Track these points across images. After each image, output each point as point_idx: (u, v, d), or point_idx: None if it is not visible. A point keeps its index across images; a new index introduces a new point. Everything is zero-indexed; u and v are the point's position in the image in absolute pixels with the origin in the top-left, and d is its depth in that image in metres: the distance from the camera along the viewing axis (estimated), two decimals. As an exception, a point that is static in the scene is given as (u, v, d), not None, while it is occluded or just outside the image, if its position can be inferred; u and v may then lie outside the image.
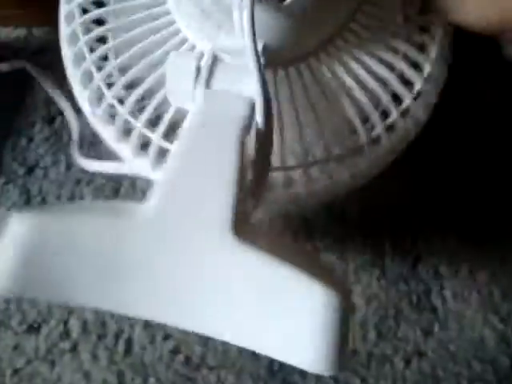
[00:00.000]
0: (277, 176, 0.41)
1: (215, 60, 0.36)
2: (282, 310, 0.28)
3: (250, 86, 0.34)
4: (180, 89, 0.36)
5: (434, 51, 0.43)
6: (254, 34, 0.34)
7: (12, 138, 0.61)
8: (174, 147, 0.37)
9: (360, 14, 0.41)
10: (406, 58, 0.42)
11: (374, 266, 0.56)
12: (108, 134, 0.43)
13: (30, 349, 0.53)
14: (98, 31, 0.43)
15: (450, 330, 0.55)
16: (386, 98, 0.41)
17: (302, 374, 0.53)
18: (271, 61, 0.36)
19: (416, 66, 0.42)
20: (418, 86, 0.42)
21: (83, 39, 0.42)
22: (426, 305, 0.56)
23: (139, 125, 0.41)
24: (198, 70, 0.36)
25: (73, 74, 0.43)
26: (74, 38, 0.43)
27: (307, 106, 0.40)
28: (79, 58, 0.43)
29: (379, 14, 0.42)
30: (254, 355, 0.51)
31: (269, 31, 0.37)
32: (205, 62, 0.36)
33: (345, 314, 0.28)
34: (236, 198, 0.31)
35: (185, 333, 0.50)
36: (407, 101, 0.42)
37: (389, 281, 0.56)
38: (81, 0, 0.43)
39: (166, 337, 0.53)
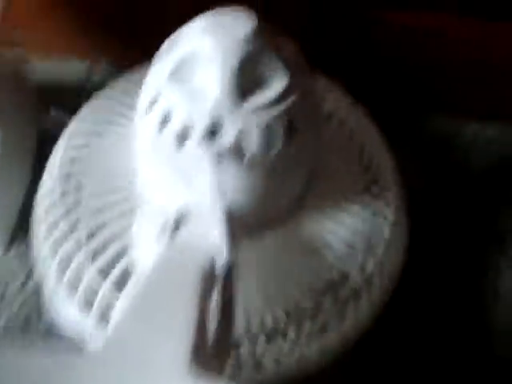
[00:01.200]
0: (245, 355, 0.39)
1: (181, 216, 0.35)
2: None
3: (214, 240, 0.34)
4: (146, 245, 0.35)
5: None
6: (216, 190, 0.34)
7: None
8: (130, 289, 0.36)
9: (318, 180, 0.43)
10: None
11: None
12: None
13: None
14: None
15: None
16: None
17: None
18: (238, 226, 0.35)
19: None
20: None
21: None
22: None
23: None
24: (164, 225, 0.35)
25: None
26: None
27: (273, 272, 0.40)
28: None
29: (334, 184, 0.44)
30: None
31: (233, 193, 0.37)
32: (170, 218, 0.35)
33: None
34: (193, 337, 0.29)
35: None
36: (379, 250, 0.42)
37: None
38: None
39: None
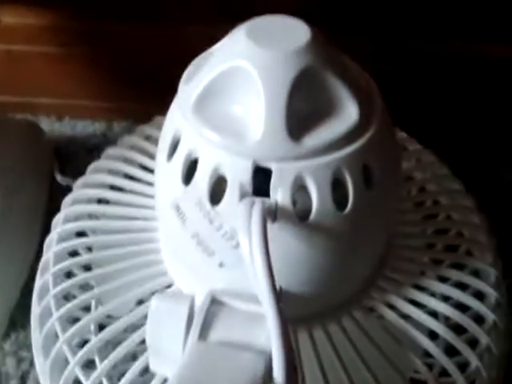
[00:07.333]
0: None
1: (214, 304, 0.24)
2: None
3: (263, 340, 0.25)
4: (165, 346, 0.25)
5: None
6: (270, 270, 0.24)
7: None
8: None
9: (389, 258, 0.33)
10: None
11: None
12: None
13: None
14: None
15: None
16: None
17: None
18: (289, 313, 0.25)
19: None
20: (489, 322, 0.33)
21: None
22: None
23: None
24: (191, 317, 0.24)
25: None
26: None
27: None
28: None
29: (409, 255, 0.34)
30: None
31: (286, 269, 0.27)
32: (200, 307, 0.24)
33: None
34: None
35: None
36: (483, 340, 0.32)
37: None
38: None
39: None
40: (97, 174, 0.38)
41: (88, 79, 0.59)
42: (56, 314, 0.32)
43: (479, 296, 0.35)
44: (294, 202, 0.26)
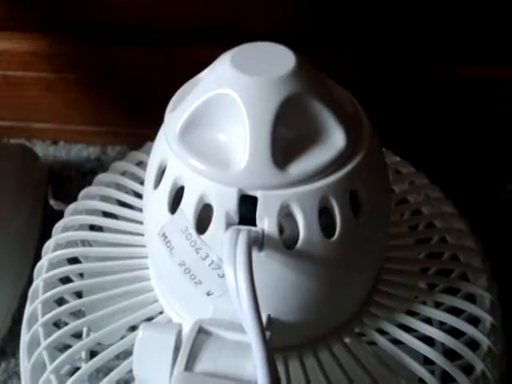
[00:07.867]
0: None
1: (201, 334, 0.24)
2: None
3: (249, 370, 0.24)
4: (152, 376, 0.25)
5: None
6: (255, 301, 0.24)
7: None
8: None
9: (381, 284, 0.33)
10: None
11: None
12: None
13: None
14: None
15: None
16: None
17: None
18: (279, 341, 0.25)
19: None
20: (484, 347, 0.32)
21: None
22: None
23: None
24: (178, 347, 0.24)
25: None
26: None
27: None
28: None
29: (402, 280, 0.34)
30: None
31: (275, 298, 0.27)
32: (186, 337, 0.24)
33: None
34: None
35: None
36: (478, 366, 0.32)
37: None
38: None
39: None
40: (88, 199, 0.38)
41: (82, 104, 0.59)
42: (44, 343, 0.32)
43: (474, 321, 0.34)
44: (281, 230, 0.25)
